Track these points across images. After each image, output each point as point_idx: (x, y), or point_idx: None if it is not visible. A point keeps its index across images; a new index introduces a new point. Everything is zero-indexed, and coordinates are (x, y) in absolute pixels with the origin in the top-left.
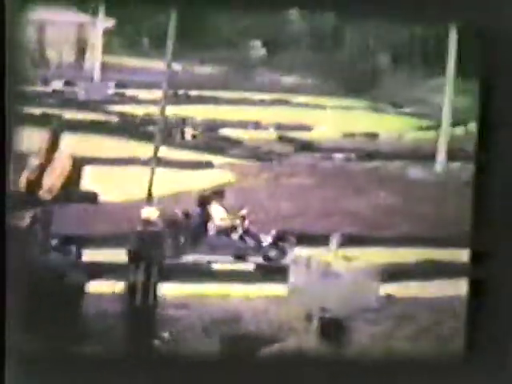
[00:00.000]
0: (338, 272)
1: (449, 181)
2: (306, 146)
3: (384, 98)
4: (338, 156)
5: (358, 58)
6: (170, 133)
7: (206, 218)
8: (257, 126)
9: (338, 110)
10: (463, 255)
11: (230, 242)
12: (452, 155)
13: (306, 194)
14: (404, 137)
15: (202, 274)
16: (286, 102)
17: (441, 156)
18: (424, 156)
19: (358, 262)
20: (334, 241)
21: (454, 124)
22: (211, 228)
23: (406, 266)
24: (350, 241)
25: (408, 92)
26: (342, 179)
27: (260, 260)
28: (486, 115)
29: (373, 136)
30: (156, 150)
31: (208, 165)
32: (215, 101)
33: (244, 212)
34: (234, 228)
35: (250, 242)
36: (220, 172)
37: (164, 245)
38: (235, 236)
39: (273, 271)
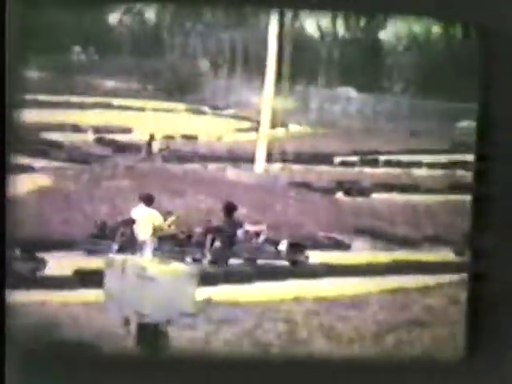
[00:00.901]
0: (153, 276)
1: (269, 182)
2: (126, 148)
3: (203, 100)
4: (157, 158)
5: (178, 61)
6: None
7: (234, 224)
8: (76, 128)
9: (158, 112)
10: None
11: (258, 247)
12: (272, 157)
13: (125, 196)
14: (223, 139)
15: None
16: (106, 106)
17: (260, 157)
18: (243, 158)
19: (175, 265)
20: (149, 244)
21: (274, 126)
22: (240, 234)
23: (226, 269)
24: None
25: (227, 94)
26: (161, 181)
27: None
28: (486, 116)
29: (192, 138)
30: None
31: (29, 168)
32: (38, 105)
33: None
34: (257, 234)
35: (271, 246)
36: (40, 175)
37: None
38: (258, 241)
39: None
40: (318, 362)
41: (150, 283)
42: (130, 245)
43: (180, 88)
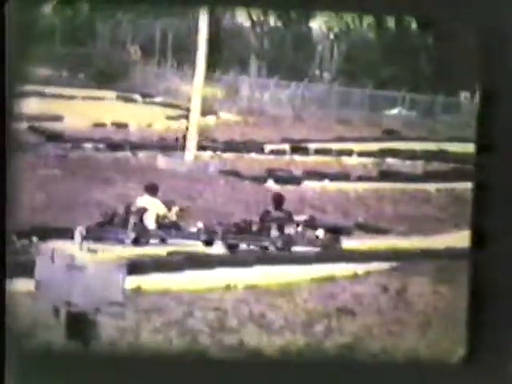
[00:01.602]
0: (82, 265)
1: (199, 170)
2: (57, 137)
3: (134, 88)
4: (88, 146)
5: (109, 50)
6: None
7: (284, 214)
8: None
9: (88, 100)
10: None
11: (297, 235)
12: (202, 144)
13: (56, 185)
14: (153, 126)
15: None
16: (37, 94)
17: (190, 145)
18: (173, 145)
19: (104, 254)
20: (79, 233)
21: (205, 114)
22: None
23: (156, 258)
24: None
25: (158, 82)
26: (91, 169)
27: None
28: (485, 116)
29: (122, 126)
30: None
31: None
32: None
33: None
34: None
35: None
36: None
37: None
38: (298, 229)
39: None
40: (249, 350)
41: (79, 272)
42: (143, 234)
43: (111, 76)
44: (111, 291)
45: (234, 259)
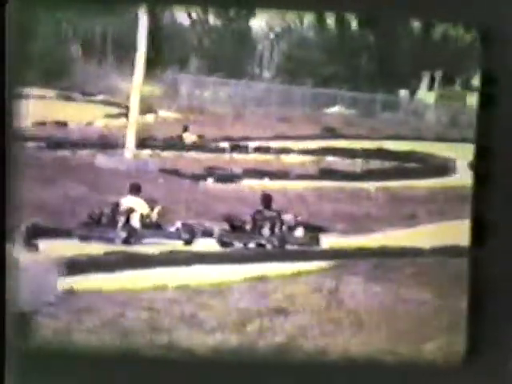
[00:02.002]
0: (19, 264)
1: (138, 169)
2: None
3: (74, 87)
4: (29, 145)
5: (50, 47)
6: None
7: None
8: None
9: (29, 99)
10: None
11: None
12: (141, 143)
13: None
14: (93, 125)
15: None
16: None
17: (130, 143)
18: (113, 144)
19: (40, 254)
20: (18, 233)
21: (144, 112)
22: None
23: (91, 258)
24: (35, 232)
25: (98, 81)
26: (32, 169)
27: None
28: (486, 114)
29: (62, 124)
30: None
31: None
32: None
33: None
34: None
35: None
36: None
37: None
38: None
39: None
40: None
41: (17, 271)
42: (132, 234)
43: (52, 75)
44: (46, 291)
45: (167, 259)
